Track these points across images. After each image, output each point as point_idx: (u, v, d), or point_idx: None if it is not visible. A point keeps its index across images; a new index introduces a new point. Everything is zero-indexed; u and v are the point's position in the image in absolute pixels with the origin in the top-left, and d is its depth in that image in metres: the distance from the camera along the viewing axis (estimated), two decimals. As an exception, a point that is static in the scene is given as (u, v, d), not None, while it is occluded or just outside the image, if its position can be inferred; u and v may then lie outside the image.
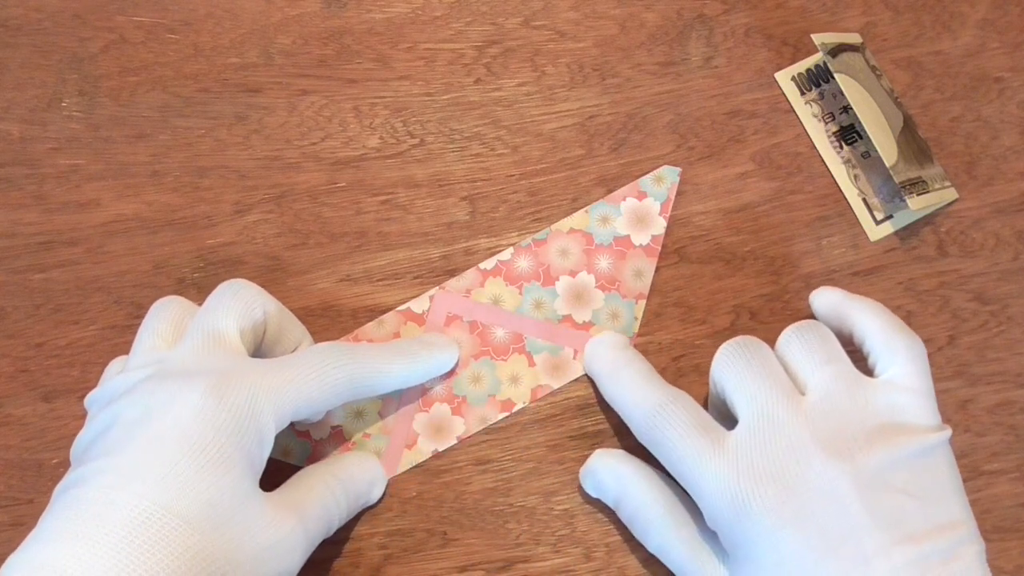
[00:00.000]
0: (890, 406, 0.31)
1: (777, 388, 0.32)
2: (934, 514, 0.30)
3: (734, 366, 0.32)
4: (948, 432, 0.31)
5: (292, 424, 0.37)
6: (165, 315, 0.33)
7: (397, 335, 0.38)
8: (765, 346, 0.33)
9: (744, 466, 0.31)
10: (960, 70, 0.41)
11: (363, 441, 0.37)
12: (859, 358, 0.33)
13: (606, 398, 0.36)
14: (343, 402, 0.33)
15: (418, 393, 0.37)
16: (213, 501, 0.28)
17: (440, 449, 0.37)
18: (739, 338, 0.33)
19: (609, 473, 0.35)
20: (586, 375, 0.37)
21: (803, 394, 0.32)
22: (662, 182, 0.39)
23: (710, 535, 0.33)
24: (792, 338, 0.33)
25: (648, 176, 0.39)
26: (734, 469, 0.31)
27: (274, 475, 0.36)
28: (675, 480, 0.33)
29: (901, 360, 0.32)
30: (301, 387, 0.31)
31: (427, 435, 0.37)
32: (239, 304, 0.33)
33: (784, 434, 0.31)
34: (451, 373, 0.37)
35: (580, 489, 0.37)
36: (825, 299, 0.35)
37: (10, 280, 0.38)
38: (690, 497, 0.33)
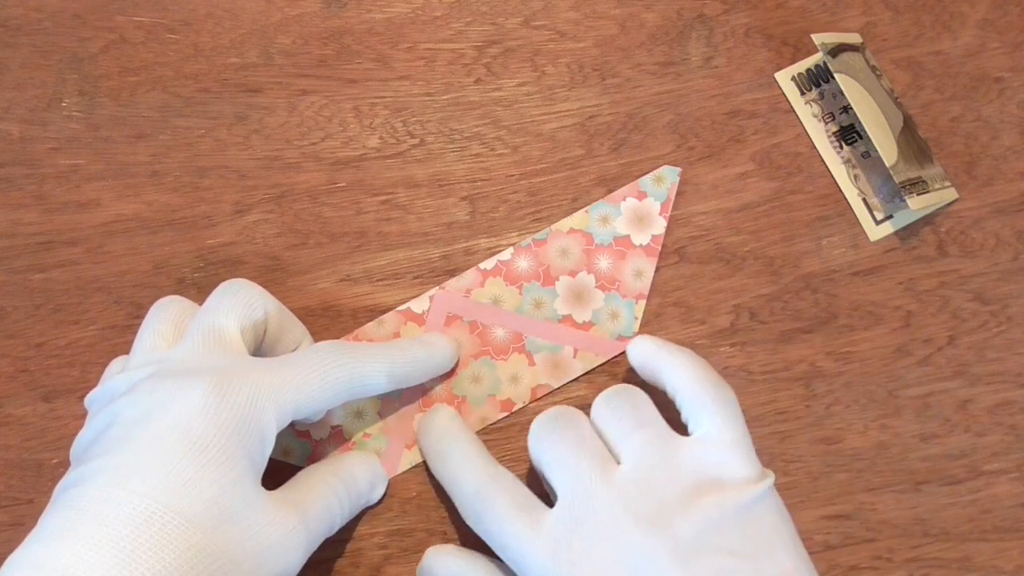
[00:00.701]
0: (704, 464, 0.31)
1: (589, 461, 0.31)
2: (762, 570, 0.29)
3: (548, 440, 0.32)
4: (769, 480, 0.31)
5: (292, 424, 0.37)
6: (166, 315, 0.33)
7: (397, 335, 0.38)
8: (581, 416, 0.33)
9: (562, 548, 0.30)
10: (960, 70, 0.41)
11: (363, 441, 0.37)
12: (675, 413, 0.33)
13: (436, 478, 0.35)
14: (343, 401, 0.33)
15: (418, 393, 0.37)
16: (215, 499, 0.28)
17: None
18: (552, 410, 0.33)
19: (445, 572, 0.34)
20: (577, 377, 0.37)
21: (618, 463, 0.31)
22: (662, 182, 0.39)
23: None
24: (602, 405, 0.33)
25: (648, 176, 0.39)
26: (552, 553, 0.30)
27: (274, 475, 0.36)
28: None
29: (709, 413, 0.32)
30: (302, 386, 0.31)
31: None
32: (240, 303, 0.33)
33: (597, 510, 0.30)
34: (451, 373, 0.37)
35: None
36: (638, 350, 0.34)
37: (10, 280, 0.38)
38: None
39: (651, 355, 0.34)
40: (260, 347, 0.34)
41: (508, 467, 0.37)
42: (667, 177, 0.39)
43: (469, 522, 0.33)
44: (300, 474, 0.34)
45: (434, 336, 0.37)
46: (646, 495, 0.30)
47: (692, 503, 0.30)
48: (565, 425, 0.32)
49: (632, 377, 0.36)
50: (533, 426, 0.33)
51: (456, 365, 0.37)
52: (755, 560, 0.29)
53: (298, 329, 0.35)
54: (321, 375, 0.32)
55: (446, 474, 0.34)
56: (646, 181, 0.39)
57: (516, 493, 0.32)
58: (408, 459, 0.37)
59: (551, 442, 0.32)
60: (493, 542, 0.32)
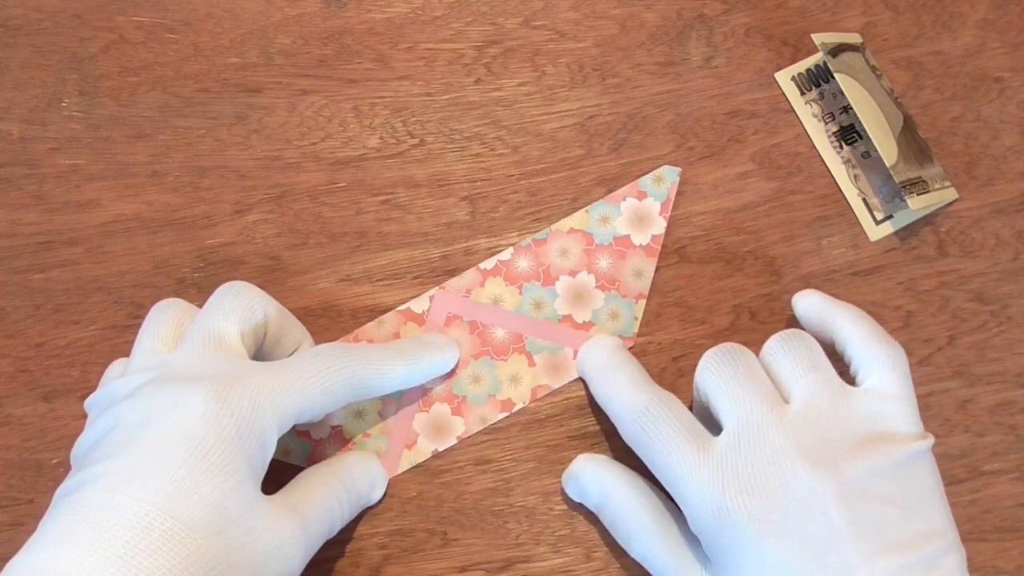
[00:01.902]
0: (872, 415, 0.32)
1: (761, 396, 0.32)
2: (916, 524, 0.30)
3: (719, 373, 0.32)
4: (931, 440, 0.31)
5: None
6: (165, 318, 0.33)
7: (397, 335, 0.38)
8: (749, 353, 0.33)
9: (729, 475, 0.31)
10: (960, 70, 0.41)
11: (363, 441, 0.37)
12: (842, 364, 0.34)
13: (597, 399, 0.36)
14: (344, 403, 0.33)
15: (418, 393, 0.37)
16: (216, 505, 0.28)
17: (440, 449, 0.37)
18: (723, 345, 0.33)
19: (591, 478, 0.35)
20: (577, 378, 0.37)
21: (787, 402, 0.32)
22: (662, 182, 0.39)
23: (693, 541, 0.33)
24: (776, 346, 0.33)
25: (648, 176, 0.39)
26: (719, 478, 0.31)
27: (274, 475, 0.36)
28: (659, 484, 0.33)
29: (881, 367, 0.32)
30: (303, 389, 0.31)
31: (427, 435, 0.37)
32: (239, 306, 0.33)
33: (768, 443, 0.31)
34: (451, 373, 0.37)
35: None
36: (807, 303, 0.35)
37: (10, 280, 0.38)
38: (674, 502, 0.33)
39: (821, 307, 0.35)
40: (261, 349, 0.34)
41: (509, 467, 0.37)
42: (667, 177, 0.39)
43: (629, 442, 0.33)
44: (299, 477, 0.34)
45: (434, 337, 0.37)
46: (815, 434, 0.31)
47: (860, 449, 0.30)
48: (736, 360, 0.33)
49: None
50: (704, 359, 0.33)
51: (456, 366, 0.37)
52: (911, 513, 0.30)
53: (298, 330, 0.35)
54: (322, 379, 0.32)
55: (610, 395, 0.35)
56: (646, 181, 0.39)
57: (683, 417, 0.32)
58: (408, 459, 0.37)
59: (722, 375, 0.32)
60: (656, 461, 0.32)
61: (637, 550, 0.34)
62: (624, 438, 0.34)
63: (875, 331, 0.33)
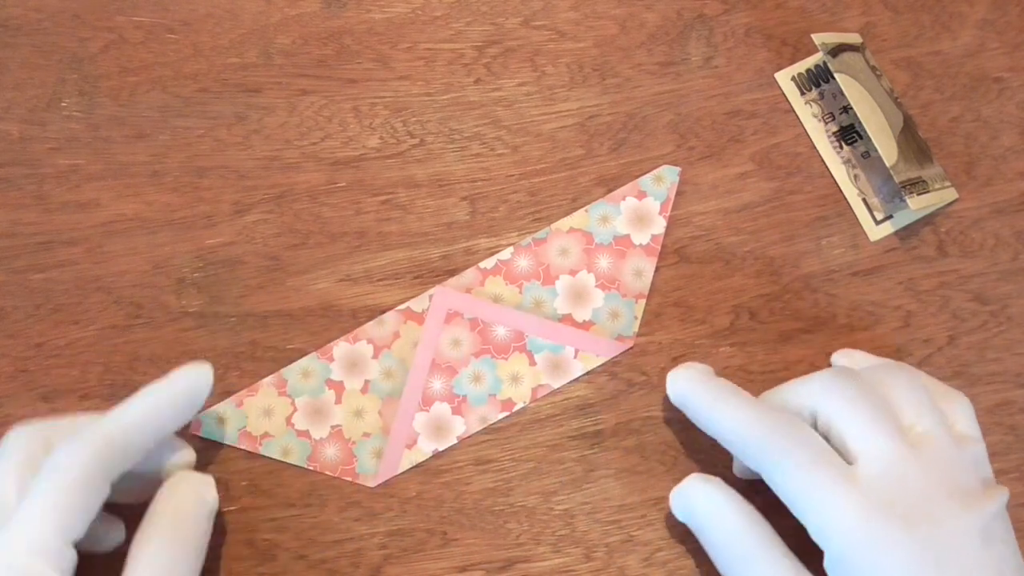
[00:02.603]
0: (975, 459, 0.32)
1: (896, 429, 0.31)
2: (1020, 561, 0.30)
3: (846, 394, 0.32)
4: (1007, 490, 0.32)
5: (290, 423, 0.37)
6: (11, 461, 0.31)
7: (397, 335, 0.38)
8: (863, 377, 0.33)
9: (882, 503, 0.30)
10: (960, 70, 0.41)
11: (363, 440, 0.37)
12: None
13: (701, 424, 0.34)
14: (119, 475, 0.31)
15: (418, 392, 0.37)
16: None
17: (440, 449, 0.37)
18: (844, 369, 0.33)
19: (704, 499, 0.33)
20: (577, 377, 0.37)
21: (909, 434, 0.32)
22: (662, 181, 0.39)
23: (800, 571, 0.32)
24: (901, 379, 0.33)
25: (648, 176, 0.39)
26: (871, 504, 0.30)
27: (267, 476, 0.37)
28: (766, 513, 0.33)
29: (965, 416, 0.33)
30: (60, 521, 0.29)
31: (427, 435, 0.37)
32: (15, 456, 0.30)
33: (913, 476, 0.30)
34: (452, 372, 0.37)
35: (580, 489, 0.37)
36: (850, 361, 0.36)
37: (10, 280, 0.38)
38: (779, 534, 0.32)
39: (866, 363, 0.35)
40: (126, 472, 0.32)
41: (509, 467, 0.37)
42: (667, 177, 0.39)
43: (752, 463, 0.32)
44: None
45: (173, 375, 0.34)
46: (951, 474, 0.31)
47: (985, 491, 0.31)
48: (863, 385, 0.32)
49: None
50: (823, 378, 0.32)
51: (212, 378, 0.34)
52: (1016, 556, 0.30)
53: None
54: (76, 487, 0.29)
55: (725, 414, 0.33)
56: (646, 181, 0.39)
57: (816, 439, 0.31)
58: (409, 459, 0.37)
59: (851, 397, 0.31)
60: (790, 486, 0.31)
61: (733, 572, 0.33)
62: (744, 460, 0.32)
63: (936, 382, 0.34)
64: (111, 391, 0.37)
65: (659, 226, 0.39)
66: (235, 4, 0.41)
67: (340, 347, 0.37)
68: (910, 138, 0.39)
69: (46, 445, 0.31)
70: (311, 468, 0.36)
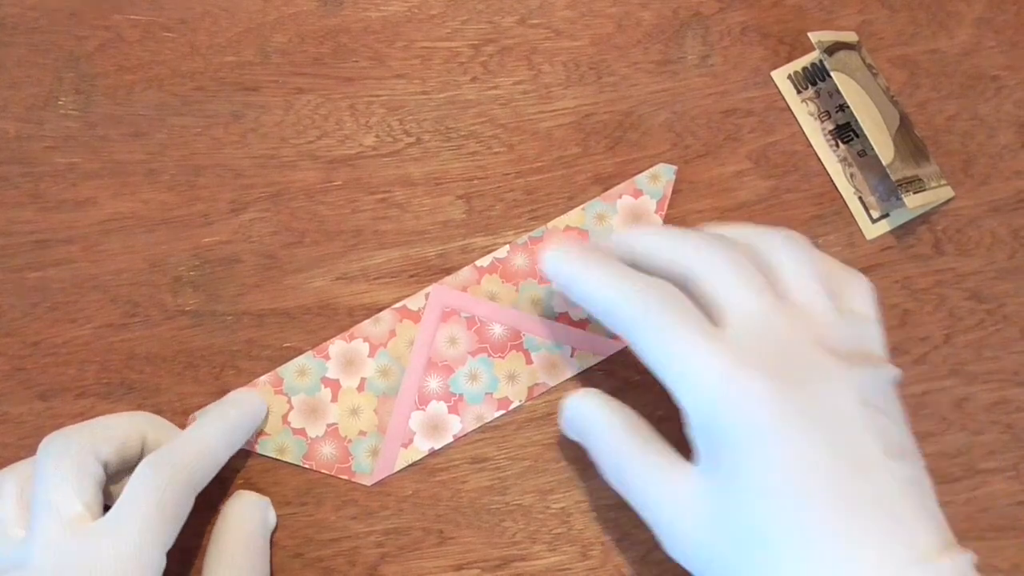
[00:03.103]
0: (860, 334, 0.31)
1: (769, 289, 0.30)
2: (905, 442, 0.30)
3: (716, 258, 0.31)
4: (900, 372, 0.31)
5: (286, 422, 0.37)
6: (5, 494, 0.32)
7: (393, 333, 0.38)
8: (749, 246, 0.32)
9: (747, 355, 0.28)
10: (956, 68, 0.41)
11: (358, 439, 0.37)
12: None
13: (573, 293, 0.33)
14: (201, 489, 0.33)
15: (414, 390, 0.37)
16: None
17: (436, 447, 0.37)
18: (721, 235, 0.32)
19: (582, 410, 0.33)
20: (573, 376, 0.37)
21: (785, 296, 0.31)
22: (658, 180, 0.39)
23: (674, 453, 0.31)
24: (780, 245, 0.32)
25: (644, 174, 0.39)
26: (735, 358, 0.28)
27: (263, 475, 0.37)
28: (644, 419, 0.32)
29: (860, 295, 0.32)
30: (158, 529, 0.30)
31: (423, 433, 0.37)
32: (69, 468, 0.31)
33: (784, 333, 0.29)
34: (450, 370, 0.37)
35: (576, 487, 0.37)
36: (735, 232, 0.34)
37: (6, 278, 0.38)
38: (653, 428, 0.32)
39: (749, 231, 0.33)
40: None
41: (505, 465, 0.37)
42: (663, 175, 0.39)
43: (625, 333, 0.31)
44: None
45: (235, 393, 0.37)
46: (828, 332, 0.30)
47: (863, 356, 0.30)
48: (739, 247, 0.31)
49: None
50: (695, 240, 0.31)
51: (267, 412, 0.37)
52: (900, 431, 0.29)
53: (165, 430, 0.35)
54: (161, 506, 0.31)
55: (595, 285, 0.32)
56: (642, 179, 0.39)
57: (684, 300, 0.30)
58: (405, 457, 0.37)
59: (724, 257, 0.30)
60: (654, 352, 0.30)
61: (613, 473, 0.32)
62: (613, 327, 0.32)
63: (836, 262, 0.33)
64: (108, 389, 0.37)
65: (655, 224, 0.39)
66: (232, 3, 0.41)
67: (336, 345, 0.37)
68: (906, 136, 0.39)
69: (94, 452, 0.32)
70: (307, 467, 0.36)
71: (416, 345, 0.37)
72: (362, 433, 0.37)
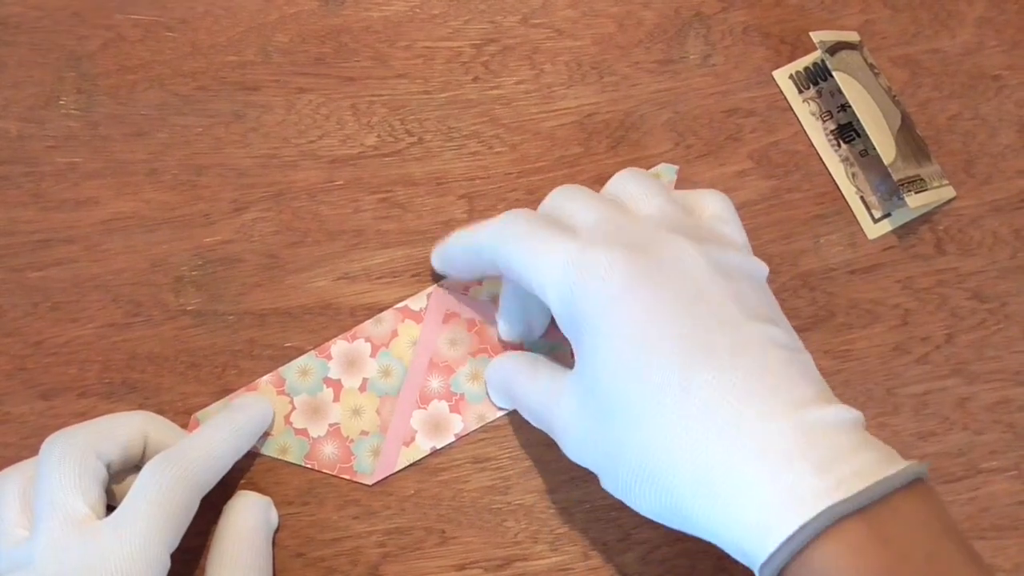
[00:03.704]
0: (717, 230, 0.32)
1: (618, 204, 0.32)
2: (773, 314, 0.30)
3: (575, 192, 0.32)
4: (767, 268, 0.32)
5: (288, 422, 0.37)
6: (7, 496, 0.32)
7: (395, 333, 0.38)
8: (606, 188, 0.34)
9: (594, 241, 0.30)
10: (958, 68, 0.41)
11: (360, 439, 0.37)
12: None
13: (460, 267, 0.36)
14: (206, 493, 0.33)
15: (416, 390, 0.37)
16: None
17: (438, 447, 0.37)
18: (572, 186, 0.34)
19: (494, 372, 0.36)
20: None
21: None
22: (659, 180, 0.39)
23: (561, 369, 0.33)
24: (626, 177, 0.33)
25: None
26: (583, 243, 0.30)
27: (266, 475, 0.37)
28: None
29: (714, 203, 0.33)
30: (163, 529, 0.30)
31: (425, 432, 0.37)
32: (71, 469, 0.31)
33: (631, 224, 0.31)
34: (450, 370, 0.37)
35: (578, 487, 0.37)
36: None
37: (8, 278, 0.38)
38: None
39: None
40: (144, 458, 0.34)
41: (507, 465, 0.37)
42: (664, 175, 0.39)
43: (490, 260, 0.33)
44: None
45: (242, 398, 0.37)
46: (680, 225, 0.31)
47: (714, 238, 0.31)
48: (585, 188, 0.33)
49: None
50: (554, 191, 0.33)
51: (273, 417, 0.37)
52: (768, 306, 0.30)
53: (171, 433, 0.35)
54: (169, 505, 0.31)
55: (467, 234, 0.35)
56: None
57: (540, 216, 0.32)
58: (406, 456, 0.37)
59: (574, 195, 0.32)
60: (514, 263, 0.32)
61: (522, 402, 0.34)
62: (487, 265, 0.34)
63: (694, 190, 0.35)
64: (109, 389, 0.37)
65: None
66: (233, 2, 0.41)
67: (338, 345, 0.37)
68: (908, 136, 0.39)
69: (97, 452, 0.32)
70: (309, 467, 0.36)
71: (418, 346, 0.37)
72: (364, 433, 0.37)
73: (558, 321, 0.31)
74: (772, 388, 0.27)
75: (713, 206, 0.33)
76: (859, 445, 0.27)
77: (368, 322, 0.38)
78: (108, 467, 0.32)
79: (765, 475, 0.26)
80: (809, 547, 0.26)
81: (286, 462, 0.36)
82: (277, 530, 0.36)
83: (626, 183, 0.33)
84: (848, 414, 0.28)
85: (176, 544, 0.31)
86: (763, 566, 0.26)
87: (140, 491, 0.31)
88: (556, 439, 0.32)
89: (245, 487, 0.36)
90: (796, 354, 0.29)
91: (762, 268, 0.32)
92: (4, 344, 0.38)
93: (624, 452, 0.29)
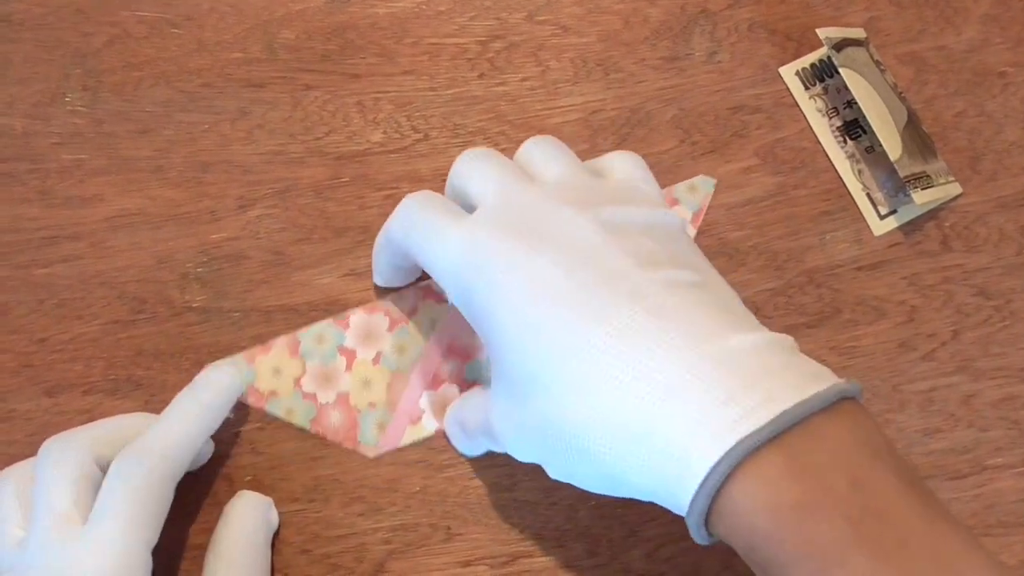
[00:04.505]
0: (629, 189, 0.32)
1: (513, 172, 0.32)
2: (685, 256, 0.30)
3: (475, 161, 0.32)
4: (683, 219, 0.32)
5: (298, 385, 0.37)
6: (4, 496, 0.32)
7: (415, 310, 0.37)
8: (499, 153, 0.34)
9: (485, 224, 0.30)
10: (963, 65, 0.41)
11: (368, 410, 0.36)
12: None
13: (392, 263, 0.36)
14: (180, 478, 0.32)
15: (430, 371, 0.37)
16: None
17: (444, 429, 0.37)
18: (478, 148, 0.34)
19: (446, 428, 0.36)
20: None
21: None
22: (696, 191, 0.39)
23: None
24: (531, 145, 0.33)
25: (683, 184, 0.39)
26: (474, 227, 0.30)
27: (271, 472, 0.37)
28: None
29: (622, 162, 0.34)
30: (140, 527, 0.30)
31: (432, 413, 0.37)
32: (66, 472, 0.31)
33: (527, 201, 0.30)
34: (467, 356, 0.37)
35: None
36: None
37: (13, 275, 0.38)
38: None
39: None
40: None
41: (514, 461, 0.37)
42: (701, 187, 0.39)
43: (400, 247, 0.33)
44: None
45: (203, 373, 0.36)
46: (572, 195, 0.31)
47: (616, 200, 0.31)
48: (491, 153, 0.33)
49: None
50: (459, 159, 0.33)
51: (252, 377, 0.37)
52: (675, 258, 0.29)
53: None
54: (146, 500, 0.31)
55: (382, 234, 0.35)
56: (680, 188, 0.39)
57: (440, 200, 0.33)
58: (412, 434, 0.36)
59: (478, 162, 0.32)
60: (414, 248, 0.32)
61: (471, 429, 0.34)
62: (397, 254, 0.34)
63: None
64: (114, 386, 0.37)
65: (690, 234, 0.39)
66: (239, -1, 0.41)
67: (357, 316, 0.37)
68: (914, 133, 0.39)
69: (94, 456, 0.32)
70: (314, 432, 0.36)
71: (440, 326, 0.37)
72: (371, 405, 0.37)
73: (461, 311, 0.31)
74: (676, 326, 0.26)
75: (622, 167, 0.33)
76: (780, 368, 0.25)
77: (390, 296, 0.38)
78: (105, 471, 0.32)
79: (678, 414, 0.25)
80: (726, 485, 0.24)
81: (290, 461, 0.36)
82: (277, 532, 0.36)
83: (531, 150, 0.33)
84: (768, 337, 0.27)
85: (155, 538, 0.31)
86: (688, 514, 0.25)
87: (111, 491, 0.31)
88: (500, 446, 0.32)
89: (250, 484, 0.36)
90: (705, 291, 0.28)
91: (672, 218, 0.32)
92: (9, 341, 0.38)
93: (551, 433, 0.28)
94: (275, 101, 0.40)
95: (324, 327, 0.37)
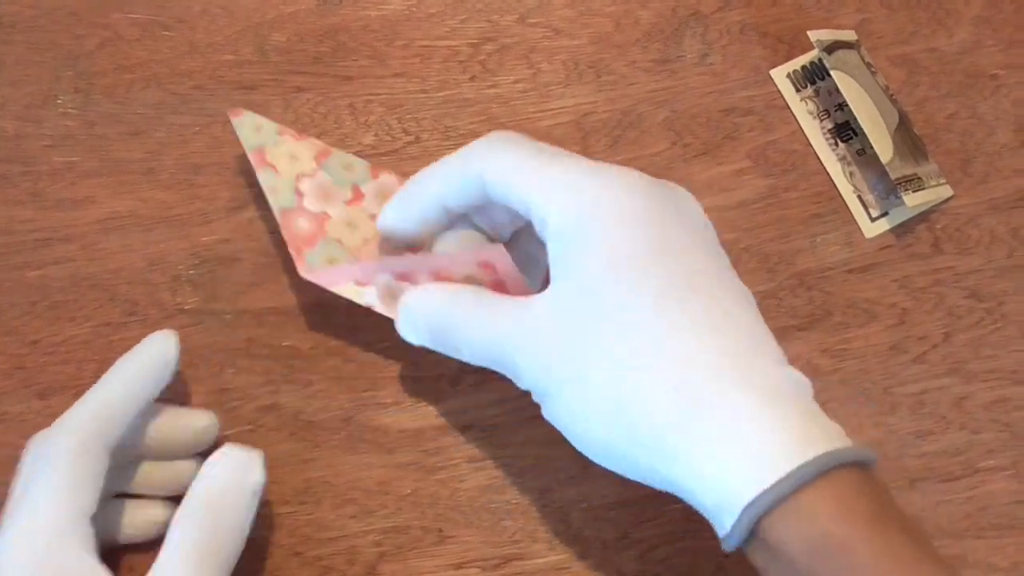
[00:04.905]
0: None
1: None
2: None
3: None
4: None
5: (299, 179, 0.36)
6: None
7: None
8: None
9: (604, 165, 0.31)
10: (955, 67, 0.41)
11: (333, 243, 0.35)
12: None
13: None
14: (114, 443, 0.32)
15: (409, 267, 0.35)
16: None
17: (373, 308, 0.35)
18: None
19: (413, 306, 0.33)
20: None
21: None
22: None
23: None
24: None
25: None
26: (596, 164, 0.31)
27: (260, 444, 0.37)
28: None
29: None
30: (70, 494, 0.30)
31: (379, 295, 0.35)
32: (68, 470, 0.31)
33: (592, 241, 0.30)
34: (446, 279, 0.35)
35: (575, 486, 0.37)
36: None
37: (5, 277, 0.38)
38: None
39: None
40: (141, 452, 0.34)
41: (504, 464, 0.37)
42: None
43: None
44: None
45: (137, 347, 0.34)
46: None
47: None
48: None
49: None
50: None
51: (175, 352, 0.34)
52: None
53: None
54: (90, 475, 0.31)
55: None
56: None
57: (543, 144, 0.33)
58: (348, 291, 0.35)
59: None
60: (522, 178, 0.31)
61: (466, 345, 0.32)
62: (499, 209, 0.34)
63: None
64: (106, 388, 0.37)
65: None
66: (231, 1, 0.41)
67: (387, 176, 0.38)
68: (905, 135, 0.39)
69: (105, 444, 0.32)
70: (277, 221, 0.35)
71: (458, 249, 0.35)
72: (339, 241, 0.36)
73: (548, 232, 0.30)
74: (763, 338, 0.29)
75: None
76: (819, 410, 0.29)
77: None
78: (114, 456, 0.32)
79: (764, 417, 0.27)
80: (800, 491, 0.26)
81: (283, 459, 0.36)
82: (269, 533, 0.35)
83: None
84: (805, 379, 0.30)
85: (92, 506, 0.30)
86: (747, 507, 0.26)
87: (35, 460, 0.31)
88: (509, 367, 0.31)
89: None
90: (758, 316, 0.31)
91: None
92: (1, 343, 0.38)
93: (597, 368, 0.28)
94: (267, 103, 0.40)
95: (358, 161, 0.37)
